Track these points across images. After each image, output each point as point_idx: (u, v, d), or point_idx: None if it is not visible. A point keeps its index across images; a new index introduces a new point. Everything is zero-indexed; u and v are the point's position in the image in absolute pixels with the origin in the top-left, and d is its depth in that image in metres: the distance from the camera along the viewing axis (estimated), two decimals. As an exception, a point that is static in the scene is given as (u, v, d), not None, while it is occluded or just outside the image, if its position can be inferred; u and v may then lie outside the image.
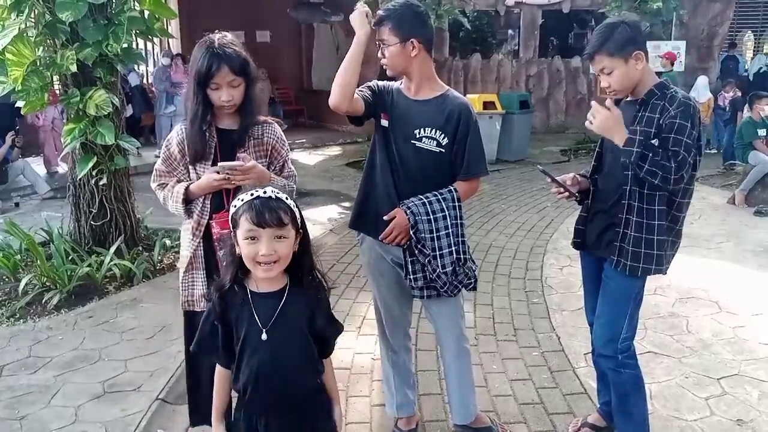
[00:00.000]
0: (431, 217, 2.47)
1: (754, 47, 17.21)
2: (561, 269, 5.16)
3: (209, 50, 2.30)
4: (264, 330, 1.77)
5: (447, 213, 2.50)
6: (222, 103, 2.34)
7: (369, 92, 2.58)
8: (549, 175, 2.58)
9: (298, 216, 1.78)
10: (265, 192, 1.73)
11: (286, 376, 1.81)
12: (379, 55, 2.53)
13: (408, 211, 2.48)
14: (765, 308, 4.32)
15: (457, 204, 2.53)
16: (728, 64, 14.04)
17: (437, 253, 2.48)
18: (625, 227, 2.44)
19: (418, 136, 2.53)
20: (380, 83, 2.64)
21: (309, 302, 1.85)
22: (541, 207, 7.32)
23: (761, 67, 13.79)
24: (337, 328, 1.96)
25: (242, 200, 1.74)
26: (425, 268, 2.52)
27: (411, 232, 2.48)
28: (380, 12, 2.50)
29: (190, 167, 2.45)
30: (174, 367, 3.50)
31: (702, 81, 10.99)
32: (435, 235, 2.48)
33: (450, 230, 2.50)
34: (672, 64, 11.69)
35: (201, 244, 2.47)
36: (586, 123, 2.42)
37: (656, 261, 2.44)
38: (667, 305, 4.37)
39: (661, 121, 2.33)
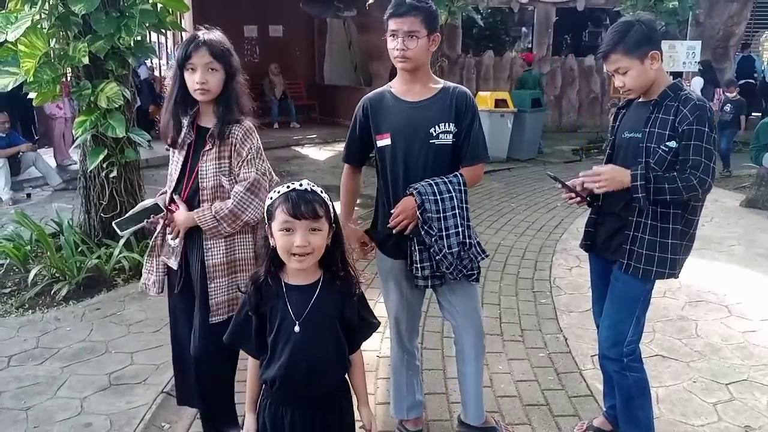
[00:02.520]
0: (438, 197, 2.45)
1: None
2: (570, 270, 5.13)
3: (192, 36, 2.38)
4: (297, 322, 1.80)
5: (453, 194, 2.48)
6: (195, 86, 2.34)
7: (359, 142, 2.65)
8: (559, 180, 2.56)
9: (331, 210, 1.80)
10: (301, 185, 1.77)
11: (317, 368, 1.83)
12: (402, 45, 2.43)
13: (415, 192, 2.46)
14: (776, 313, 4.27)
15: (462, 188, 2.51)
16: (744, 64, 13.89)
17: (444, 233, 2.46)
18: (638, 230, 2.42)
19: (435, 134, 2.52)
20: (362, 112, 2.61)
21: (341, 296, 1.87)
22: (552, 206, 7.28)
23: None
24: (369, 326, 1.96)
25: (278, 192, 1.77)
26: (432, 252, 2.50)
27: (418, 213, 2.45)
28: (408, 0, 2.43)
29: (170, 151, 2.51)
30: (180, 360, 3.51)
31: (698, 83, 10.85)
32: (442, 215, 2.45)
33: (456, 211, 2.47)
34: (529, 65, 11.52)
35: (159, 235, 2.58)
36: (596, 191, 2.45)
37: (670, 265, 2.41)
38: (676, 308, 4.33)
39: (677, 125, 2.30)
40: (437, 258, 2.49)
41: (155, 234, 2.59)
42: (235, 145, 2.41)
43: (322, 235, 1.77)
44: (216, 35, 2.41)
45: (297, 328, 1.80)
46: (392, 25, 2.45)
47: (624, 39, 2.33)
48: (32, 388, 3.25)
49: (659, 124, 2.35)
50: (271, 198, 1.79)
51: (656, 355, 3.64)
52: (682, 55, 11.38)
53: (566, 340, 3.87)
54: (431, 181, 2.49)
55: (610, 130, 2.67)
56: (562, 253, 5.56)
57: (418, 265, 2.55)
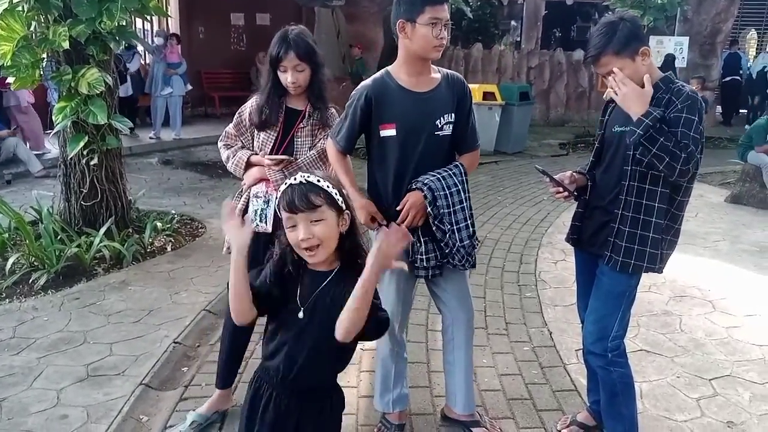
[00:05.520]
0: (446, 192, 2.46)
1: (758, 45, 17.14)
2: (555, 263, 5.12)
3: (282, 38, 2.67)
4: (302, 308, 1.77)
5: (459, 187, 2.50)
6: (288, 84, 2.68)
7: (359, 131, 2.57)
8: (548, 174, 2.52)
9: (336, 196, 1.75)
10: (295, 179, 1.74)
11: (309, 360, 1.78)
12: (443, 33, 2.42)
13: (425, 188, 2.44)
14: (759, 309, 4.29)
15: (464, 178, 2.54)
16: (730, 61, 13.97)
17: (455, 227, 2.48)
18: (620, 223, 2.39)
19: (440, 125, 2.52)
20: (364, 101, 2.51)
21: (350, 287, 1.76)
22: (538, 200, 7.27)
23: (765, 66, 13.72)
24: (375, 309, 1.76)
25: (281, 190, 1.76)
26: (443, 245, 2.50)
27: (429, 209, 2.45)
28: None
29: (255, 132, 2.82)
30: (159, 352, 3.45)
31: None
32: (452, 209, 2.47)
33: (464, 204, 2.51)
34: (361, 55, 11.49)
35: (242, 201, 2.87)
36: (609, 90, 2.33)
37: (649, 259, 2.38)
38: (660, 303, 4.33)
39: (666, 114, 2.27)
40: (452, 252, 2.50)
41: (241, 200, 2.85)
42: (329, 125, 2.77)
43: (327, 224, 1.71)
44: (301, 34, 2.69)
45: (300, 315, 1.77)
46: (434, 12, 2.38)
47: (612, 40, 2.28)
48: (7, 379, 3.17)
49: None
50: (278, 198, 1.79)
51: (640, 350, 3.64)
52: (669, 50, 11.42)
53: (551, 334, 3.86)
54: (437, 175, 2.48)
55: (599, 124, 2.63)
56: (547, 247, 5.55)
57: (423, 256, 2.54)
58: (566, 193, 2.54)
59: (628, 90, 2.26)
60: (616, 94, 2.29)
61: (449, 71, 2.63)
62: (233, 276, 1.71)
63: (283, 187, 1.75)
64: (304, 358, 1.78)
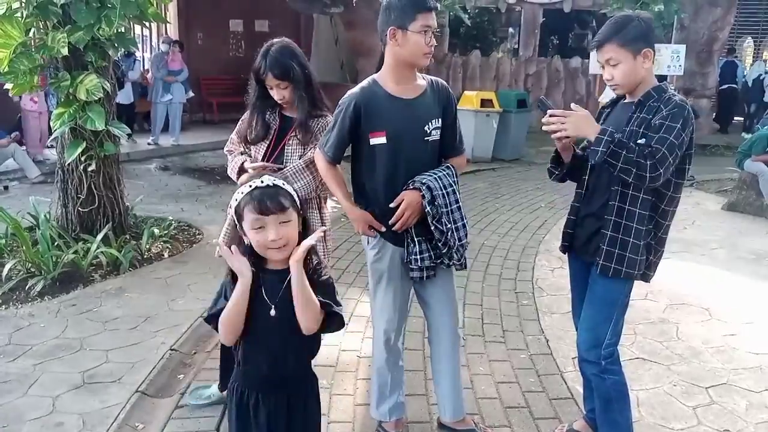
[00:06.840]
0: (444, 191, 2.48)
1: (754, 53, 17.22)
2: (552, 271, 5.12)
3: (262, 56, 2.70)
4: (273, 306, 1.80)
5: (454, 187, 2.53)
6: (276, 100, 2.73)
7: (348, 141, 2.54)
8: (547, 104, 2.46)
9: (296, 199, 1.82)
10: (262, 181, 1.79)
11: (289, 352, 1.86)
12: (433, 41, 2.46)
13: (423, 187, 2.45)
14: (756, 317, 4.29)
15: (457, 179, 2.57)
16: (727, 69, 14.03)
17: (453, 226, 2.49)
18: (608, 229, 2.41)
19: (428, 131, 2.54)
20: (353, 110, 2.48)
21: (311, 282, 1.82)
22: (535, 207, 7.29)
23: (760, 74, 13.79)
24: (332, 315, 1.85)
25: (242, 193, 1.79)
26: (434, 246, 2.52)
27: (428, 208, 2.45)
28: None
29: (250, 145, 2.85)
30: (156, 359, 3.45)
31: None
32: (449, 208, 2.49)
33: (459, 204, 2.54)
34: None
35: None
36: (559, 134, 2.34)
37: (628, 263, 2.38)
38: (657, 311, 4.33)
39: (651, 121, 2.29)
40: (450, 251, 2.52)
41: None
42: (317, 135, 2.73)
43: (293, 225, 1.80)
44: (279, 52, 2.67)
45: (273, 312, 1.80)
46: (424, 20, 2.40)
47: (621, 31, 2.32)
48: (2, 386, 3.16)
49: (638, 122, 2.34)
50: (236, 199, 1.81)
51: (637, 358, 3.64)
52: (666, 58, 11.44)
53: (548, 341, 3.85)
54: (434, 175, 2.50)
55: None
56: (544, 254, 5.55)
57: (418, 257, 2.54)
58: (555, 126, 2.37)
59: (573, 118, 2.29)
60: (560, 134, 2.33)
61: (433, 77, 2.66)
62: (240, 304, 1.76)
63: (246, 189, 1.77)
64: (284, 350, 1.85)
